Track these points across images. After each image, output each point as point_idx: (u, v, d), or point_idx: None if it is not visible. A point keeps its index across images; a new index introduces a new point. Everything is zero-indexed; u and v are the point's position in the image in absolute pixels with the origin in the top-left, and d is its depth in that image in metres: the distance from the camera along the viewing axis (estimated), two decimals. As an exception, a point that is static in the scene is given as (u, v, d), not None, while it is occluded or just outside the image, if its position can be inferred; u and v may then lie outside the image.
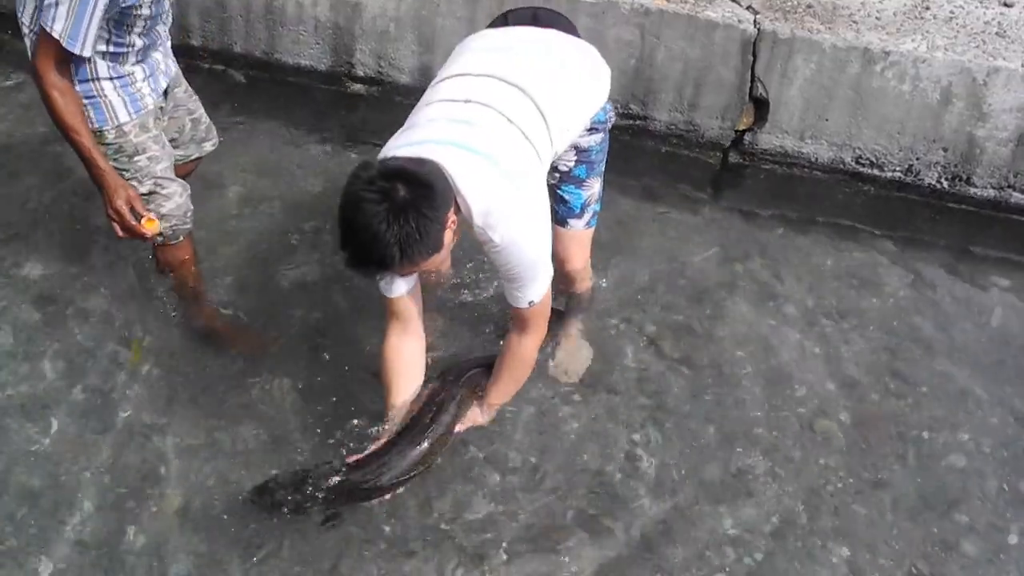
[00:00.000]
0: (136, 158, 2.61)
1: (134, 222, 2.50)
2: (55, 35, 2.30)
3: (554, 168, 2.60)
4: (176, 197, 2.71)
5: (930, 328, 3.21)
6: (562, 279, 2.88)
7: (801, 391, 2.98)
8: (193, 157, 2.97)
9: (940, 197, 3.64)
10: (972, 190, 3.61)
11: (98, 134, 2.53)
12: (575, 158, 2.59)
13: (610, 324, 3.12)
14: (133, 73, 2.55)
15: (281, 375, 2.94)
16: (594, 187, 2.67)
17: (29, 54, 2.46)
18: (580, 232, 2.73)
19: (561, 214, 2.68)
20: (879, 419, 2.93)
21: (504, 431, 2.83)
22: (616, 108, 3.73)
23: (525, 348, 2.49)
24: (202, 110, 2.93)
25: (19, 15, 2.47)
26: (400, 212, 1.97)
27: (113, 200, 2.48)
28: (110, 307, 3.10)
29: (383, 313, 2.50)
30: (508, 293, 2.38)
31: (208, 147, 2.99)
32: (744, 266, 3.36)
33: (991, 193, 3.60)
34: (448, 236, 2.13)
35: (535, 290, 2.34)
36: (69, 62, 2.39)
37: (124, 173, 2.58)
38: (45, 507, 2.60)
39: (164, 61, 2.67)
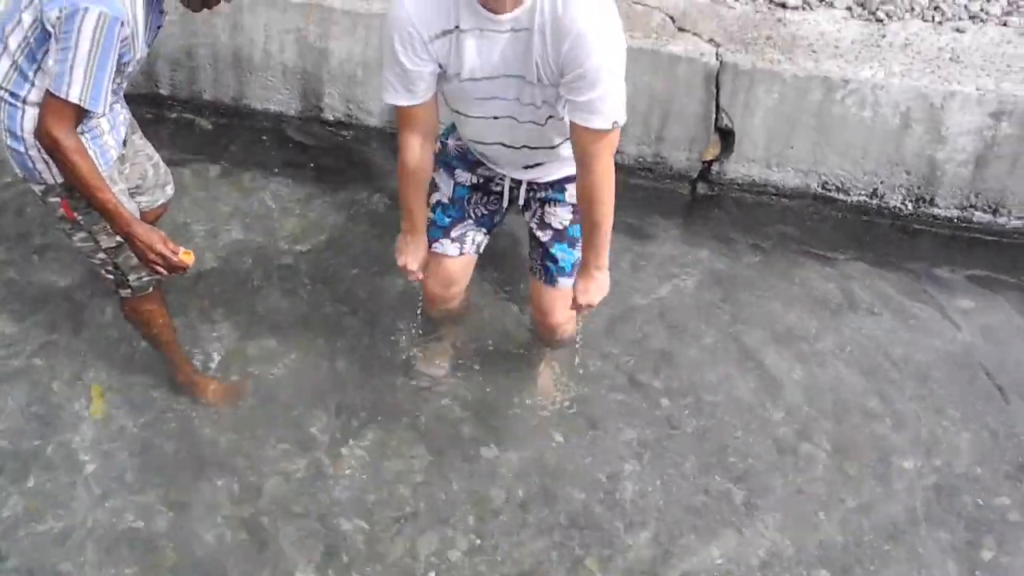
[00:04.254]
0: None
1: (176, 259, 2.52)
2: (73, 100, 2.29)
3: (547, 224, 2.64)
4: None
5: (903, 349, 3.26)
6: (543, 330, 2.90)
7: (780, 416, 3.02)
8: (159, 203, 2.96)
9: (905, 219, 3.71)
10: (936, 211, 3.69)
11: (70, 188, 2.50)
12: (571, 216, 2.62)
13: (588, 358, 3.14)
14: (99, 125, 2.55)
15: (252, 425, 2.94)
16: None
17: (11, 120, 2.44)
18: (568, 291, 2.66)
19: (551, 272, 2.69)
20: (857, 442, 2.97)
21: (484, 469, 2.84)
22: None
23: (601, 185, 2.33)
24: (157, 155, 2.93)
25: None
26: None
27: (153, 245, 2.49)
28: (73, 359, 3.08)
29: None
30: (579, 112, 2.24)
31: (169, 191, 2.98)
32: (719, 295, 3.40)
33: (954, 213, 3.68)
34: None
35: (619, 103, 2.23)
36: (79, 122, 2.39)
37: (94, 225, 2.57)
38: (12, 567, 2.57)
39: (122, 111, 2.68)
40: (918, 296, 3.47)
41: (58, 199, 2.56)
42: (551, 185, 2.63)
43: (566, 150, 2.46)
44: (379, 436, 2.91)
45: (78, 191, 2.45)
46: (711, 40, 3.64)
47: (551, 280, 2.69)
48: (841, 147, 3.62)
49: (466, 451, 2.89)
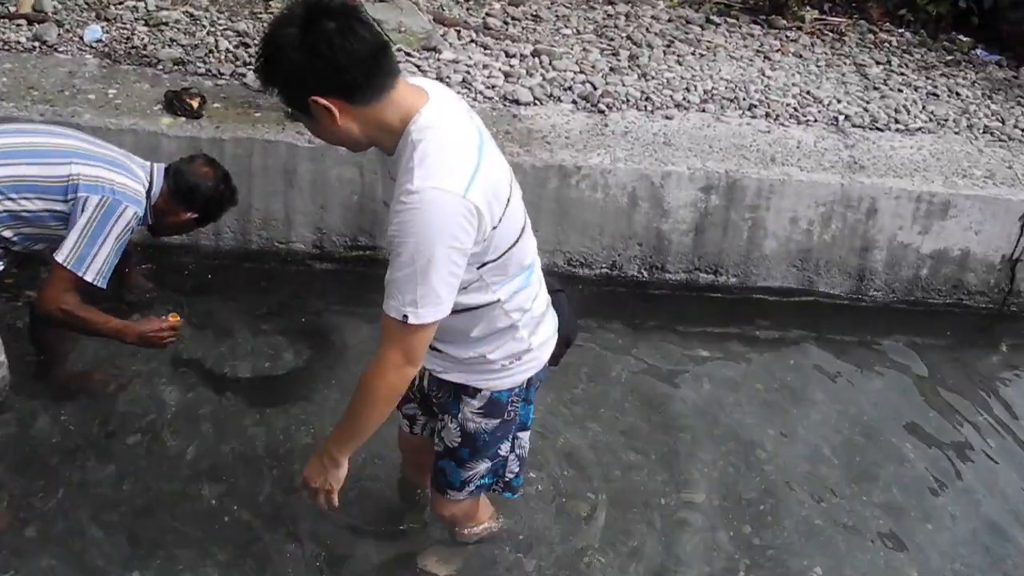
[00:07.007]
0: None
1: (175, 327, 2.98)
2: (88, 279, 2.77)
3: (442, 438, 2.44)
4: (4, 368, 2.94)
5: (652, 402, 3.62)
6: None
7: (545, 480, 3.23)
8: None
9: (644, 286, 4.14)
10: (668, 276, 4.14)
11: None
12: (459, 438, 2.39)
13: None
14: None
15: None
16: (478, 467, 2.44)
17: None
18: (461, 501, 2.56)
19: (439, 482, 2.52)
20: (624, 492, 3.25)
21: None
22: (345, 241, 3.96)
23: (365, 373, 2.06)
24: None
25: None
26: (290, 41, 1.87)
27: (151, 323, 2.98)
28: None
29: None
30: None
31: None
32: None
33: (683, 277, 4.15)
34: (329, 122, 1.95)
35: (402, 296, 1.93)
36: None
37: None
38: None
39: None
40: (661, 353, 3.87)
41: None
42: (449, 390, 2.35)
43: (463, 348, 2.25)
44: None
45: (91, 333, 2.97)
46: (455, 137, 3.93)
47: (440, 490, 2.54)
48: (580, 226, 4.01)
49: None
